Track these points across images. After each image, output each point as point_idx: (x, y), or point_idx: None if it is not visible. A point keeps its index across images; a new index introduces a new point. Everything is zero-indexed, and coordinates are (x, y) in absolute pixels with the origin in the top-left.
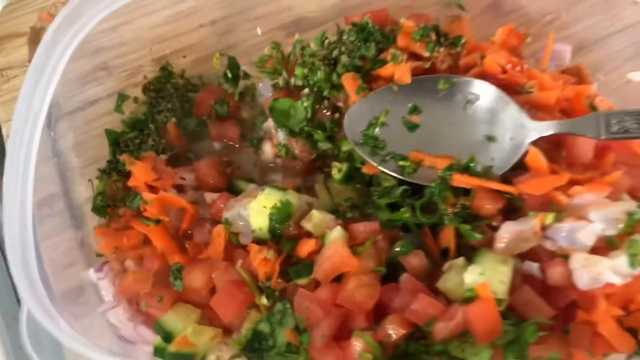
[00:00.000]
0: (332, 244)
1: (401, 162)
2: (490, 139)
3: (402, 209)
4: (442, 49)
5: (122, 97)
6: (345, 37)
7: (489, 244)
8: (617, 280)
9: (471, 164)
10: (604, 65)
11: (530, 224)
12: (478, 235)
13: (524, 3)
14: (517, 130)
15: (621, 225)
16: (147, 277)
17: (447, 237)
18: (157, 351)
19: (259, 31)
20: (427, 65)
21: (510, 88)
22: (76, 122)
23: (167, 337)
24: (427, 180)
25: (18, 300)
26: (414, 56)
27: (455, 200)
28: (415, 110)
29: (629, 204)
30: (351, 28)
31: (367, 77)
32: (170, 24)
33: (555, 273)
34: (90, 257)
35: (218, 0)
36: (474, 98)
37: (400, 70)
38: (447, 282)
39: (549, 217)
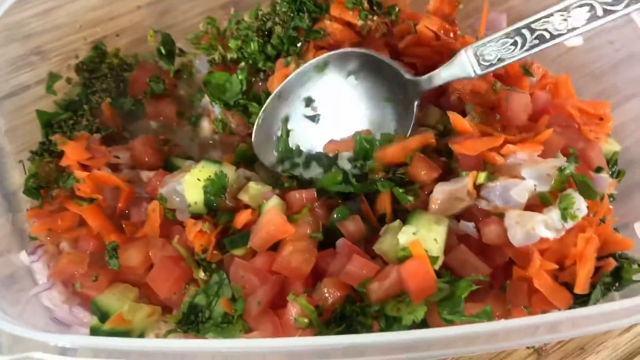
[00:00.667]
0: (268, 213)
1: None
2: (388, 100)
3: (333, 173)
4: (375, 18)
5: (53, 78)
6: (278, 8)
7: (424, 207)
8: (551, 235)
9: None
10: None
11: (463, 183)
12: (410, 198)
13: None
14: (402, 89)
15: (553, 182)
16: (83, 258)
17: (383, 203)
18: (93, 331)
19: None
20: (364, 32)
21: (445, 54)
22: (9, 108)
23: (103, 316)
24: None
25: None
26: (348, 25)
27: (386, 168)
28: (309, 101)
29: (558, 160)
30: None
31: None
32: (107, 6)
33: (490, 231)
34: (26, 243)
35: None
36: (354, 68)
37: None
38: (383, 244)
39: (481, 176)
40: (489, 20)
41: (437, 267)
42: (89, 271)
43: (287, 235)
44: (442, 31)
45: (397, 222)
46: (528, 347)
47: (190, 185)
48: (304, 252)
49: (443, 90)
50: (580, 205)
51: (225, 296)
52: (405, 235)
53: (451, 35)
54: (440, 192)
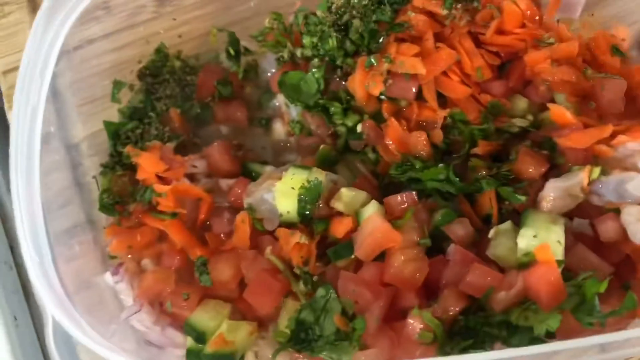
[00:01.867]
0: (370, 220)
1: None
2: None
3: (439, 167)
4: (459, 6)
5: (118, 85)
6: (355, 0)
7: (532, 206)
8: None
9: None
10: (621, 20)
11: (577, 179)
12: (521, 197)
13: None
14: None
15: None
16: (169, 275)
17: (487, 202)
18: (190, 354)
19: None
20: (447, 23)
21: (528, 42)
22: (74, 61)
23: (200, 337)
24: None
25: (11, 247)
26: (430, 15)
27: (490, 165)
28: None
29: None
30: None
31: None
32: None
33: (607, 228)
34: (87, 200)
35: None
36: None
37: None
38: (497, 248)
39: (596, 171)
40: (564, 2)
41: (561, 269)
42: (177, 289)
43: (395, 243)
44: (528, 11)
45: (509, 223)
46: None
47: (283, 194)
48: (415, 260)
49: (529, 79)
50: None
51: (335, 311)
52: (526, 239)
53: (536, 18)
54: (553, 189)
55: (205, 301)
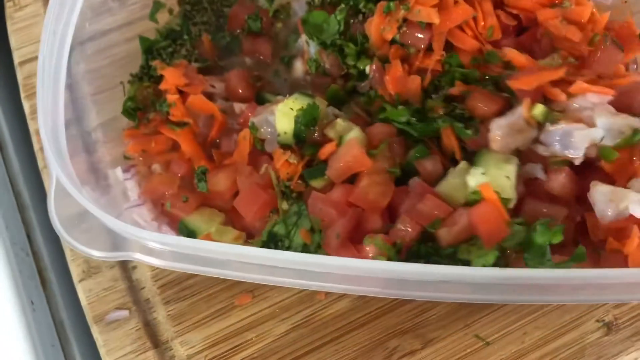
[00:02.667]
0: (347, 144)
1: None
2: None
3: (399, 108)
4: None
5: (157, 5)
6: None
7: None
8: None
9: None
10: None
11: (519, 112)
12: (468, 132)
13: None
14: None
15: (619, 140)
16: (174, 179)
17: (448, 141)
18: None
19: None
20: None
21: (546, 5)
22: (89, 51)
23: (190, 235)
24: None
25: (28, 235)
26: None
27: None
28: None
29: (636, 119)
30: None
31: None
32: None
33: (557, 182)
34: (101, 183)
35: None
36: None
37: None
38: (444, 186)
39: (539, 107)
40: None
41: (511, 206)
42: (179, 193)
43: (364, 167)
44: None
45: (464, 163)
46: (597, 320)
47: (283, 114)
48: (381, 184)
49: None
50: None
51: (304, 227)
52: (475, 178)
53: None
54: (499, 127)
55: (202, 208)
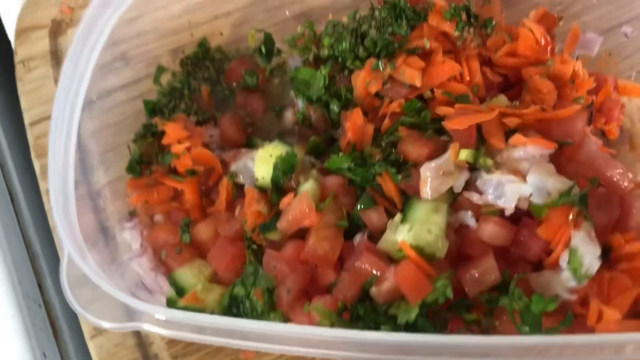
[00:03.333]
0: (298, 197)
1: None
2: None
3: (340, 156)
4: (471, 29)
5: (160, 70)
6: (377, 13)
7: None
8: (572, 297)
9: None
10: (617, 52)
11: (447, 156)
12: (399, 177)
13: None
14: None
15: (546, 200)
16: (176, 229)
17: (385, 186)
18: (169, 303)
19: (287, 12)
20: (459, 43)
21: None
22: (95, 111)
23: (179, 290)
24: None
25: (39, 285)
26: (443, 36)
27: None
28: None
29: (568, 182)
30: (383, 5)
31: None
32: (187, 15)
33: (486, 230)
34: (109, 239)
35: None
36: None
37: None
38: (385, 242)
39: (464, 152)
40: (583, 39)
41: (441, 256)
42: (175, 242)
43: (310, 222)
44: (542, 39)
45: (398, 216)
46: None
47: (262, 159)
48: (329, 239)
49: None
50: (589, 263)
51: (260, 286)
52: (401, 234)
53: (549, 48)
54: (427, 169)
55: (194, 259)
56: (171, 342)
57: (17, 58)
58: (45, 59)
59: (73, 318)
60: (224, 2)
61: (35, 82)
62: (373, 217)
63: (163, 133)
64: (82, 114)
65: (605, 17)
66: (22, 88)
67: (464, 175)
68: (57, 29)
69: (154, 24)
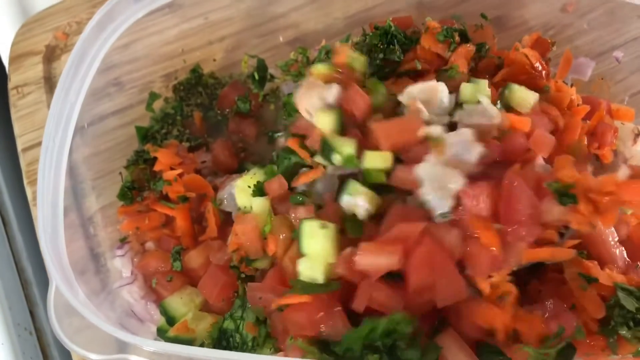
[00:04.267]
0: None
1: None
2: None
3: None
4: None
5: (153, 96)
6: (368, 40)
7: None
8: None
9: None
10: (610, 76)
11: None
12: None
13: (527, 17)
14: None
15: None
16: (167, 256)
17: None
18: (160, 332)
19: (281, 38)
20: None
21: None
22: (87, 137)
23: (169, 320)
24: None
25: (30, 312)
26: (437, 57)
27: None
28: None
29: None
30: (375, 32)
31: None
32: (181, 41)
33: None
34: (100, 266)
35: (227, 17)
36: None
37: None
38: None
39: None
40: (576, 63)
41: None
42: (166, 270)
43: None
44: (537, 63)
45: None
46: None
47: (241, 190)
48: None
49: None
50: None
51: (249, 320)
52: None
53: (544, 72)
54: None
55: (185, 287)
56: None
57: (11, 84)
58: (39, 85)
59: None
60: (218, 28)
61: (29, 108)
62: None
63: (155, 159)
64: (74, 139)
65: (597, 41)
66: (15, 114)
67: None
68: (51, 55)
69: (148, 50)
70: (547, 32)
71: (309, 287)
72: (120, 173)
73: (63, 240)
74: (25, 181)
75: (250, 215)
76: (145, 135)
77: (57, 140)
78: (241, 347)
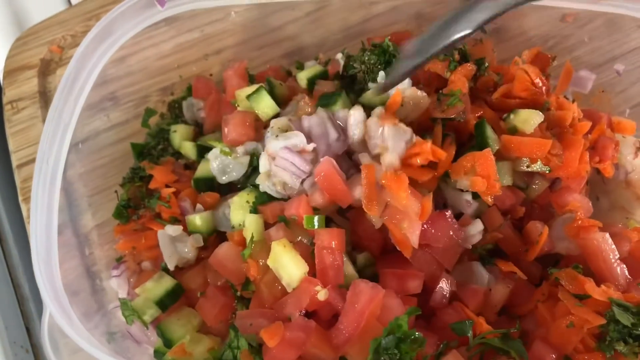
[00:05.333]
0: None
1: None
2: None
3: None
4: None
5: (149, 112)
6: (366, 58)
7: None
8: None
9: None
10: (610, 88)
11: None
12: None
13: (527, 28)
14: None
15: None
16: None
17: None
18: (157, 354)
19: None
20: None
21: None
22: (83, 153)
23: (167, 342)
24: None
25: (27, 328)
26: (436, 77)
27: None
28: None
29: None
30: (372, 50)
31: None
32: (177, 54)
33: None
34: (96, 285)
35: (223, 30)
36: None
37: None
38: None
39: None
40: (577, 76)
41: None
42: None
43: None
44: (537, 79)
45: None
46: None
47: (238, 207)
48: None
49: None
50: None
51: (243, 348)
52: None
53: (544, 88)
54: None
55: (182, 308)
56: None
57: (5, 99)
58: (34, 100)
59: None
60: (214, 41)
61: (24, 123)
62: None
63: (151, 177)
64: (69, 155)
65: (597, 51)
66: (10, 129)
67: None
68: (46, 69)
69: (143, 64)
70: (546, 43)
71: None
72: (116, 191)
73: (57, 263)
74: (20, 198)
75: (226, 244)
76: (141, 152)
77: (50, 162)
78: None
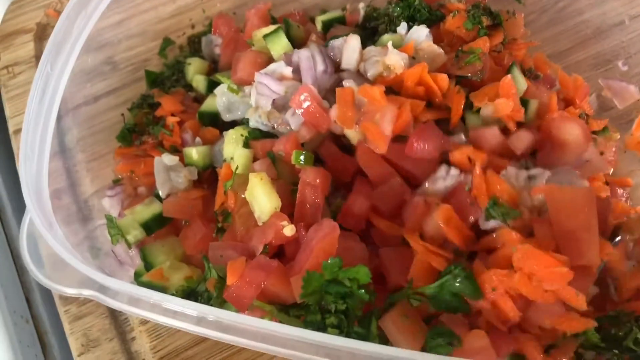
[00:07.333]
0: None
1: None
2: None
3: None
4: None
5: (166, 42)
6: (391, 10)
7: None
8: None
9: None
10: (623, 50)
11: None
12: None
13: None
14: None
15: None
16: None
17: None
18: (136, 275)
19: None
20: None
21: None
22: (80, 118)
23: (148, 266)
24: None
25: (27, 298)
26: (459, 40)
27: None
28: None
29: None
30: (397, 3)
31: None
32: (177, 17)
33: None
34: (96, 252)
35: None
36: None
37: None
38: None
39: None
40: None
41: None
42: None
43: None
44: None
45: None
46: None
47: (231, 139)
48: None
49: None
50: None
51: (213, 277)
52: None
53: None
54: None
55: (168, 236)
56: (163, 358)
57: (1, 64)
58: (30, 64)
59: (62, 331)
60: (216, 2)
61: (20, 88)
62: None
63: (159, 105)
64: (66, 120)
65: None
66: (6, 95)
67: None
68: (43, 33)
69: (142, 26)
70: (557, 4)
71: None
72: (122, 114)
73: (47, 178)
74: (17, 165)
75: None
76: (154, 80)
77: (39, 129)
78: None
